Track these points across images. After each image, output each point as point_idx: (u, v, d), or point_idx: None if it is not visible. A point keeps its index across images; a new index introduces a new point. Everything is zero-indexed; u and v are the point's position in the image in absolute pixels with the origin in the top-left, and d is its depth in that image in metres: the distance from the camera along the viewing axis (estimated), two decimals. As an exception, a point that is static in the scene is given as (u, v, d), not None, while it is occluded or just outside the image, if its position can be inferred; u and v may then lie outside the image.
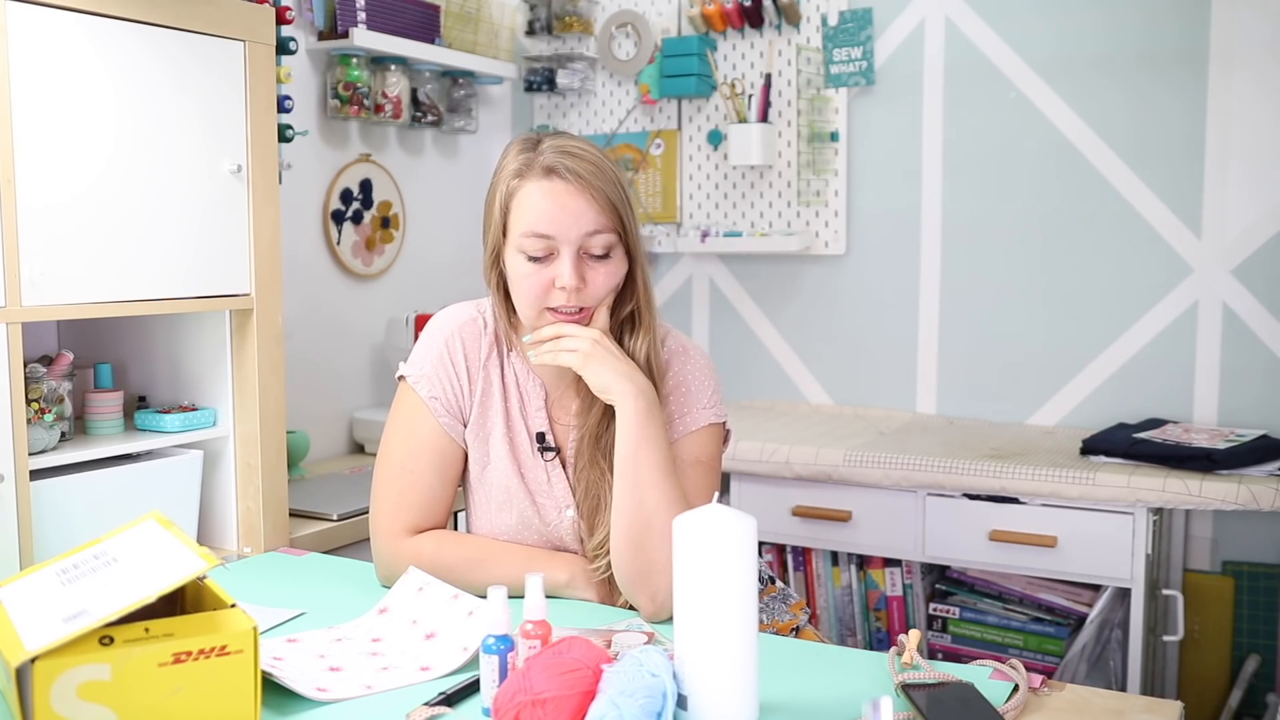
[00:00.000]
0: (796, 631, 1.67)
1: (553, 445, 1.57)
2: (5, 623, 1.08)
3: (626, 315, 1.54)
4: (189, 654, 1.05)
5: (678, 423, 1.54)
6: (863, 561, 2.62)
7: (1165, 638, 2.44)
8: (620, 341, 1.52)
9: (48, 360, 1.82)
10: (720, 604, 1.10)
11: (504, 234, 1.49)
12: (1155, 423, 2.54)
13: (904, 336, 2.92)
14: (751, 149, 2.92)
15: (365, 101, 2.77)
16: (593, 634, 1.33)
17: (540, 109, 3.30)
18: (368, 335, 2.92)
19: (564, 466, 1.58)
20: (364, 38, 2.67)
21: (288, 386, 2.06)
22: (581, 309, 1.47)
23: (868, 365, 2.97)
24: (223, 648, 1.06)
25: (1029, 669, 1.27)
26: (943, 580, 2.57)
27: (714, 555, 1.10)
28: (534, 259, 1.45)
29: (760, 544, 2.38)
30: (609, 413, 1.51)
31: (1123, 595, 2.34)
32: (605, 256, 1.47)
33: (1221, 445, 2.29)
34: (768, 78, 2.96)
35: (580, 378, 1.54)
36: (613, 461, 1.48)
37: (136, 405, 1.99)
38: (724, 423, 1.59)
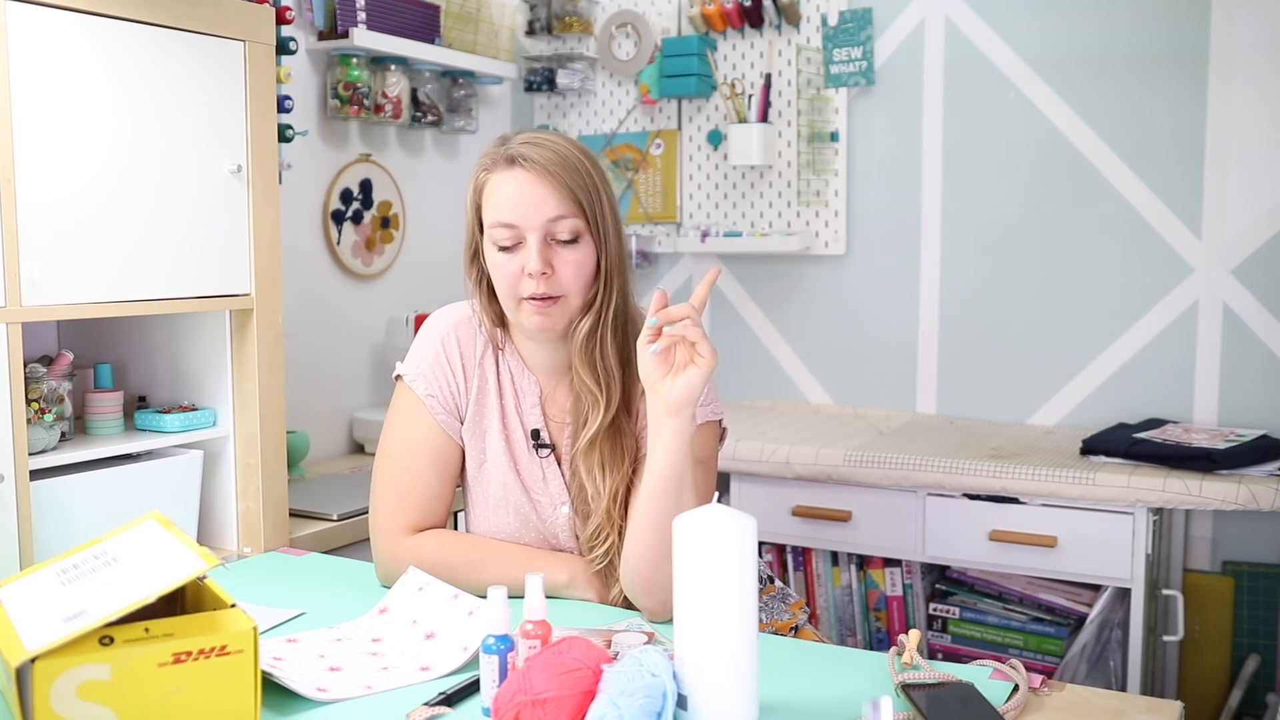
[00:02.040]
0: (796, 630, 1.67)
1: (547, 442, 1.58)
2: (5, 623, 1.08)
3: (616, 310, 1.53)
4: (189, 654, 1.05)
5: None
6: (863, 561, 2.62)
7: (1165, 638, 2.44)
8: (605, 338, 1.52)
9: (48, 360, 1.82)
10: (720, 604, 1.09)
11: (480, 229, 1.50)
12: (1155, 423, 2.54)
13: (904, 336, 2.92)
14: (751, 149, 2.92)
15: (365, 101, 2.77)
16: (593, 634, 1.33)
17: (540, 109, 3.30)
18: (368, 335, 2.92)
19: (559, 463, 1.58)
20: (364, 38, 2.67)
21: (288, 386, 2.06)
22: (554, 296, 1.47)
23: (868, 365, 2.97)
24: (223, 648, 1.06)
25: (1029, 669, 1.27)
26: (943, 580, 2.57)
27: (714, 555, 1.10)
28: (504, 249, 1.47)
29: (760, 544, 2.38)
30: (606, 410, 1.52)
31: (1123, 595, 2.34)
32: (573, 243, 1.47)
33: (1221, 445, 2.29)
34: (768, 78, 2.96)
35: (576, 375, 1.54)
36: (604, 456, 1.49)
37: (136, 405, 1.99)
38: (720, 420, 1.59)
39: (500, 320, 1.58)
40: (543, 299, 1.47)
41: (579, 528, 1.56)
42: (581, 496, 1.54)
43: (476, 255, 1.54)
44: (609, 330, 1.52)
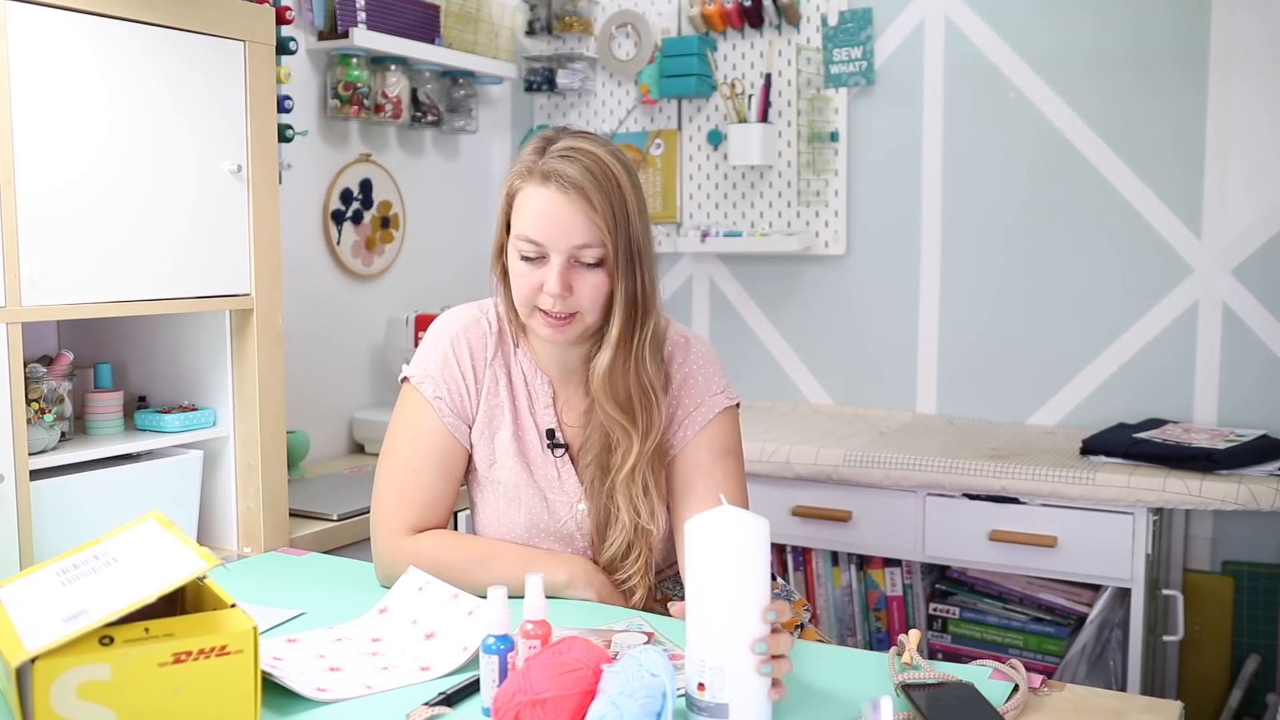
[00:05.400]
0: (801, 629, 1.67)
1: (562, 442, 1.58)
2: (5, 623, 1.08)
3: (651, 338, 1.53)
4: (189, 654, 1.05)
5: (695, 415, 1.56)
6: (863, 561, 2.62)
7: (1165, 638, 2.44)
8: (639, 368, 1.52)
9: (48, 360, 1.82)
10: (734, 605, 1.09)
11: (507, 230, 1.50)
12: (1155, 423, 2.54)
13: (904, 336, 2.92)
14: (751, 149, 2.92)
15: (365, 101, 2.77)
16: (593, 634, 1.33)
17: (540, 109, 3.30)
18: (368, 335, 2.92)
19: (573, 463, 1.58)
20: (364, 38, 2.67)
21: (288, 386, 2.06)
22: (569, 314, 1.47)
23: (868, 365, 2.97)
24: (223, 648, 1.06)
25: (1029, 669, 1.27)
26: (943, 580, 2.57)
27: (727, 557, 1.09)
28: (527, 260, 1.46)
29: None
30: (643, 441, 1.53)
31: (1123, 595, 2.34)
32: (597, 266, 1.46)
33: (1221, 445, 2.29)
34: (768, 78, 2.96)
35: (586, 374, 1.56)
36: (646, 484, 1.52)
37: (136, 405, 1.99)
38: (737, 403, 1.61)
39: (514, 315, 1.59)
40: (558, 317, 1.47)
41: (595, 539, 1.57)
42: (597, 512, 1.56)
43: (502, 252, 1.53)
44: (643, 361, 1.51)
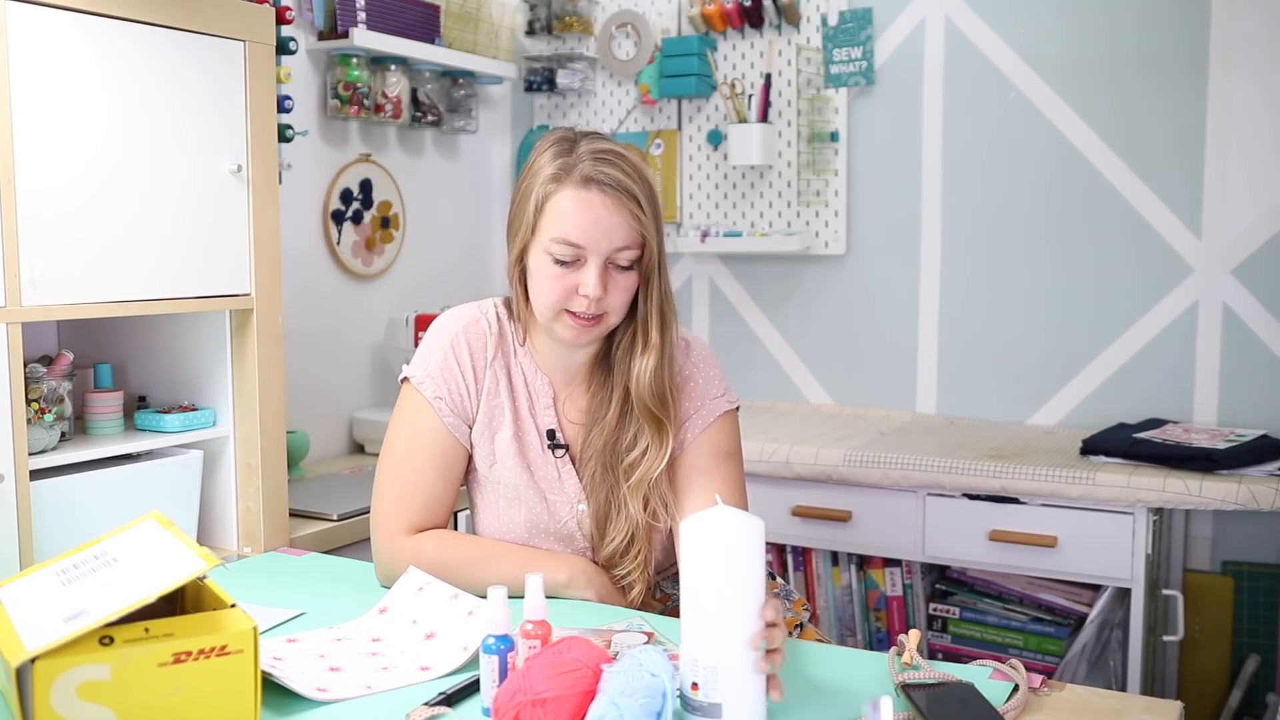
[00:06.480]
0: (800, 629, 1.68)
1: (563, 442, 1.58)
2: (5, 623, 1.08)
3: (636, 328, 1.55)
4: (189, 654, 1.05)
5: (696, 418, 1.56)
6: (863, 561, 2.62)
7: (1165, 638, 2.44)
8: (670, 369, 1.54)
9: (48, 360, 1.82)
10: (728, 606, 1.09)
11: (533, 233, 1.50)
12: (1155, 423, 2.54)
13: (904, 336, 2.92)
14: (751, 149, 2.92)
15: (365, 101, 2.77)
16: (593, 634, 1.33)
17: (540, 109, 3.30)
18: (368, 335, 2.92)
19: (574, 464, 1.59)
20: (364, 38, 2.67)
21: (288, 386, 2.06)
22: (598, 315, 1.49)
23: (868, 365, 2.97)
24: (223, 648, 1.06)
25: (1029, 669, 1.27)
26: (943, 580, 2.57)
27: (722, 557, 1.09)
28: (560, 263, 1.47)
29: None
30: (625, 416, 1.54)
31: (1123, 595, 2.34)
32: (628, 269, 1.49)
33: (1221, 445, 2.29)
34: (768, 78, 2.96)
35: (589, 376, 1.58)
36: (621, 469, 1.53)
37: (136, 405, 1.99)
38: (737, 406, 1.62)
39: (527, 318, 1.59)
40: (588, 319, 1.48)
41: (595, 537, 1.57)
42: (598, 507, 1.56)
43: (522, 255, 1.53)
44: (674, 359, 1.55)
